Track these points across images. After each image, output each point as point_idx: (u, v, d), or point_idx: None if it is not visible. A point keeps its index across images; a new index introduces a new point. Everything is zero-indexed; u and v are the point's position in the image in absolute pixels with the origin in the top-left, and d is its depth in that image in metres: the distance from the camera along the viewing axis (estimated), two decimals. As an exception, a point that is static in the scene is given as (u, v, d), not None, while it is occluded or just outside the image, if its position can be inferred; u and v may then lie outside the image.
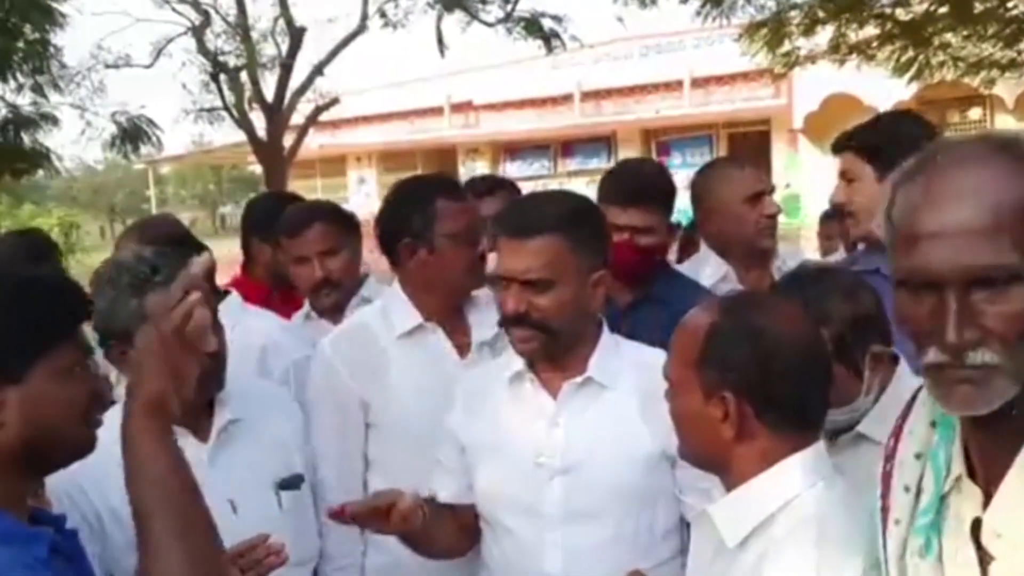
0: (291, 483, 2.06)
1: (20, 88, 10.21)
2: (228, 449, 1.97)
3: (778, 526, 1.33)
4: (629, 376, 1.91)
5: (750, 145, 17.54)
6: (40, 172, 11.58)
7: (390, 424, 2.25)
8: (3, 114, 10.24)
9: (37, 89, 10.34)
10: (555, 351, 1.89)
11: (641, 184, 2.50)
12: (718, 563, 1.40)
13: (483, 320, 2.29)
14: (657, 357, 1.85)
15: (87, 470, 1.48)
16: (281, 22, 13.06)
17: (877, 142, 2.36)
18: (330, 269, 2.69)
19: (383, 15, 12.89)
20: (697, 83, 18.20)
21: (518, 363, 1.94)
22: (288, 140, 13.33)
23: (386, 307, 2.32)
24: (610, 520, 1.86)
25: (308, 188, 19.23)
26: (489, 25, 12.21)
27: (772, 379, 1.35)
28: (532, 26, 12.08)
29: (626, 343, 2.01)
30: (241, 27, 12.88)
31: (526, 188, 2.97)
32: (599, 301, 1.94)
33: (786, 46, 8.08)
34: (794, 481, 1.36)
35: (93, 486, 1.79)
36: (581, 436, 1.88)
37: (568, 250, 1.85)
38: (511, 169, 19.80)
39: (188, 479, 1.32)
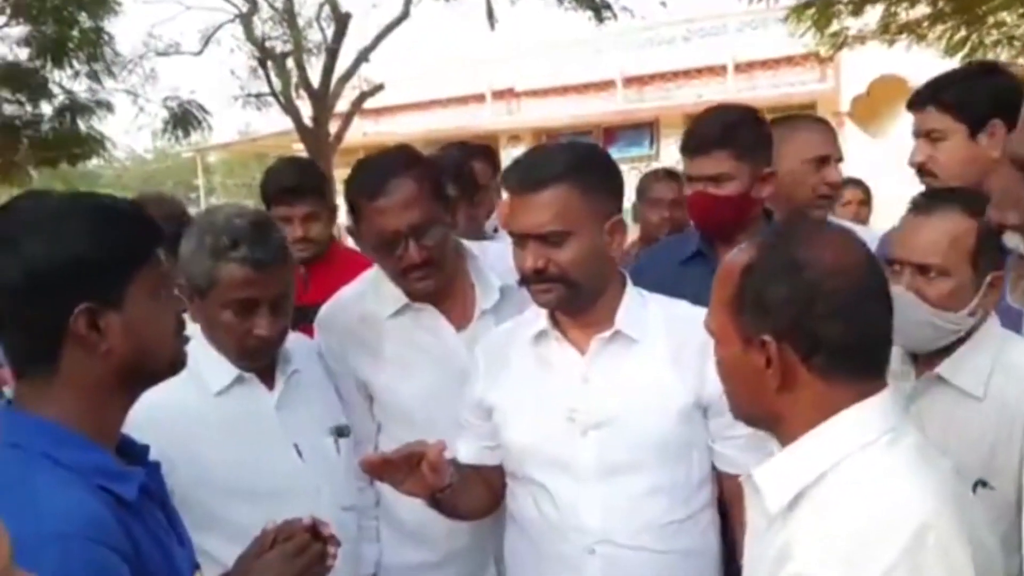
0: (343, 431, 2.13)
1: (76, 75, 10.49)
2: (291, 397, 2.03)
3: (823, 491, 1.20)
4: (657, 328, 1.89)
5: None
6: (94, 159, 11.83)
7: (389, 399, 2.24)
8: (60, 100, 10.49)
9: (92, 76, 10.60)
10: (578, 303, 1.87)
11: (708, 132, 2.38)
12: (770, 532, 1.28)
13: (486, 287, 2.25)
14: (684, 309, 1.92)
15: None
16: (327, 8, 13.19)
17: (969, 97, 2.22)
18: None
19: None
20: (741, 68, 18.04)
21: (541, 321, 1.92)
22: (333, 127, 13.47)
23: (377, 282, 2.26)
24: (646, 473, 1.85)
25: (352, 175, 19.34)
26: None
27: (815, 318, 1.20)
28: (583, -4, 11.89)
29: (652, 296, 1.97)
30: (288, 13, 13.04)
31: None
32: (618, 248, 1.90)
33: (834, 26, 8.02)
34: (849, 436, 1.22)
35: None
36: (613, 390, 1.86)
37: (579, 198, 1.81)
38: (553, 156, 19.74)
39: None
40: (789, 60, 16.44)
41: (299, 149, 17.18)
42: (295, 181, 2.97)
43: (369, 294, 2.26)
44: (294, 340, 2.09)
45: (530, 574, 1.96)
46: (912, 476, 1.18)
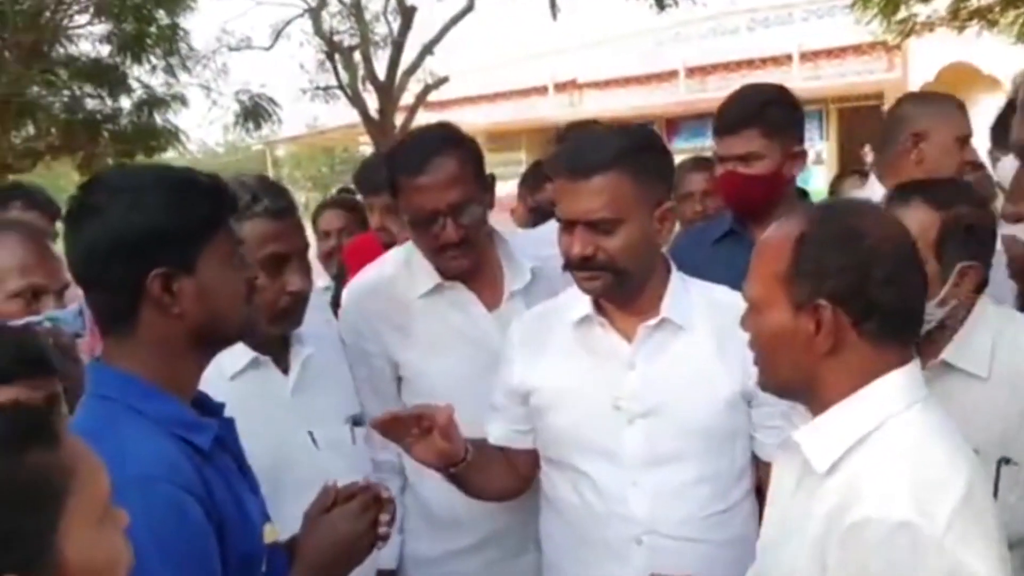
0: (359, 420, 2.10)
1: (153, 70, 10.84)
2: (307, 383, 2.00)
3: (872, 449, 1.26)
4: (701, 316, 1.86)
5: (861, 120, 17.08)
6: (169, 151, 12.19)
7: (419, 379, 2.21)
8: (139, 95, 10.85)
9: (168, 71, 10.95)
10: (625, 291, 1.83)
11: (737, 111, 2.39)
12: (802, 492, 1.34)
13: (516, 269, 2.23)
14: (726, 295, 1.87)
15: None
16: (393, 2, 13.38)
17: None
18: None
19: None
20: (806, 57, 17.81)
21: (584, 306, 1.88)
22: (398, 120, 13.67)
23: (409, 261, 2.25)
24: (692, 462, 1.83)
25: (417, 167, 19.55)
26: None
27: (872, 284, 1.26)
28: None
29: (694, 282, 1.94)
30: (355, 7, 13.27)
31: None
32: (666, 236, 1.89)
33: (902, 13, 7.93)
34: (892, 400, 1.28)
35: None
36: (659, 379, 1.84)
37: (631, 185, 1.77)
38: (615, 147, 19.73)
39: None
40: (856, 49, 16.20)
41: (365, 142, 17.49)
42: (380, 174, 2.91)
43: (400, 275, 2.25)
44: (306, 323, 2.05)
45: (569, 560, 1.93)
46: (952, 437, 1.27)
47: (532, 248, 2.27)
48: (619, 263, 1.79)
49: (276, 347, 1.98)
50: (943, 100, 2.67)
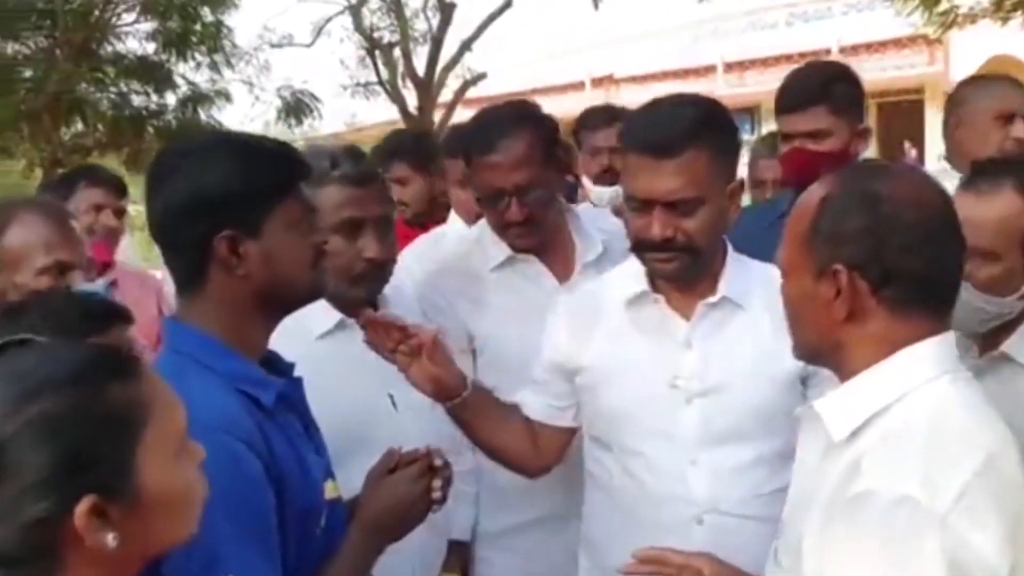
0: None
1: (198, 67, 11.03)
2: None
3: (890, 419, 1.19)
4: (758, 294, 1.80)
5: (902, 114, 16.96)
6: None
7: (493, 350, 2.23)
8: (183, 91, 11.06)
9: (212, 67, 11.12)
10: (696, 271, 1.79)
11: (805, 87, 2.34)
12: (826, 462, 1.27)
13: (588, 242, 2.24)
14: (780, 274, 1.87)
15: None
16: (432, -2, 13.56)
17: None
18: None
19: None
20: (846, 51, 17.64)
21: (638, 284, 1.83)
22: (437, 116, 13.79)
23: (481, 237, 2.29)
24: (752, 442, 1.79)
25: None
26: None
27: (890, 249, 1.20)
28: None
29: (750, 261, 1.89)
30: (395, 4, 13.43)
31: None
32: (735, 213, 1.83)
33: (943, 5, 7.87)
34: (915, 371, 1.21)
35: None
36: (718, 358, 1.80)
37: (709, 161, 1.72)
38: (653, 142, 19.72)
39: None
40: (896, 42, 16.07)
41: (404, 137, 17.60)
42: (389, 146, 3.03)
43: (474, 250, 2.29)
44: (393, 287, 2.06)
45: (616, 542, 1.82)
46: (978, 411, 1.20)
47: (599, 222, 2.29)
48: (697, 243, 1.73)
49: (363, 310, 1.95)
50: (988, 79, 2.64)
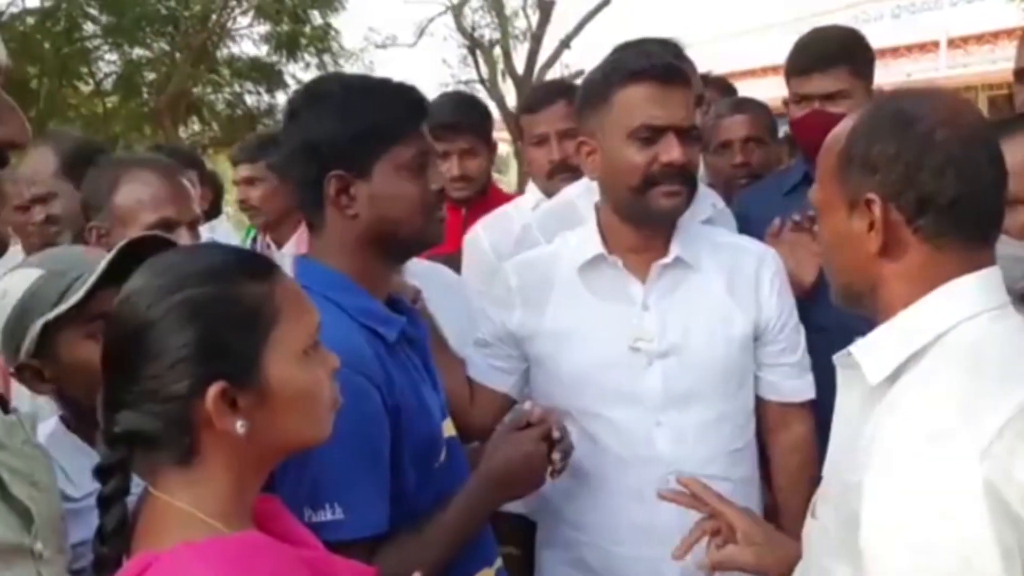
0: None
1: (307, 67, 11.52)
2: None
3: (929, 359, 1.12)
4: (710, 256, 1.83)
5: (1014, 107, 16.41)
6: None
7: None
8: (293, 90, 11.52)
9: (321, 68, 11.57)
10: (682, 212, 1.79)
11: (826, 47, 2.29)
12: (865, 410, 1.18)
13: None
14: (727, 236, 1.92)
15: None
16: (532, -3, 13.76)
17: None
18: (567, 152, 2.38)
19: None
20: (954, 43, 17.16)
21: (594, 247, 1.82)
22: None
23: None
24: (713, 402, 1.80)
25: (551, 159, 19.83)
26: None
27: (924, 176, 1.12)
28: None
29: (695, 223, 1.91)
30: (496, 3, 13.67)
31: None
32: None
33: (1055, -7, 7.66)
34: (955, 308, 1.13)
35: None
36: (675, 318, 1.79)
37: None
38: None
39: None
40: (1008, 33, 15.54)
41: (503, 137, 17.86)
42: (454, 117, 2.71)
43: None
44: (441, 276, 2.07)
45: (587, 508, 1.84)
46: (1019, 349, 1.12)
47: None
48: (695, 176, 1.78)
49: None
50: None
